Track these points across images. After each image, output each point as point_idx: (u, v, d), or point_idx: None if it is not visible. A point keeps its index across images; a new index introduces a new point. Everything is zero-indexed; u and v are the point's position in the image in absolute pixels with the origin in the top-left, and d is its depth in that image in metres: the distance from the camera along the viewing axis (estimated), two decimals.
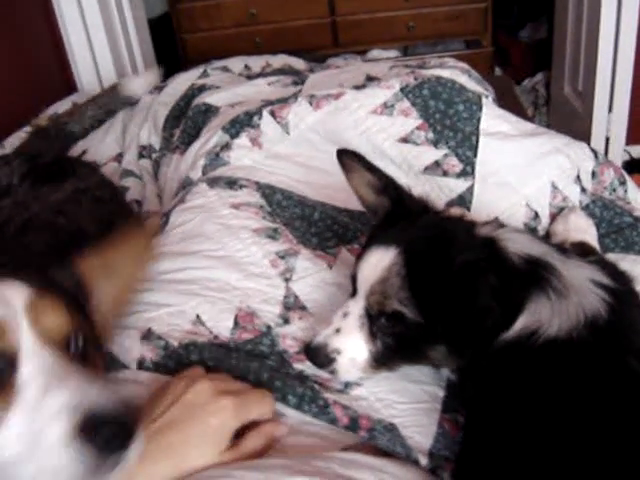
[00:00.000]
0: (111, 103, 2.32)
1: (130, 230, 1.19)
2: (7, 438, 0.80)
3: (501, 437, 0.96)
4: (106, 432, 0.78)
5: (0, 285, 0.92)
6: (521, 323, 1.00)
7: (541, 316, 0.99)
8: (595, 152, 1.65)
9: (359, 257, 1.15)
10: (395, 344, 1.09)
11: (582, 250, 1.36)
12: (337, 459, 0.97)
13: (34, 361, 0.85)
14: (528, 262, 1.03)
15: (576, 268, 1.06)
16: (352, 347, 1.11)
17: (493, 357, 1.01)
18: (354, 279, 1.14)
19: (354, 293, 1.14)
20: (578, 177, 1.59)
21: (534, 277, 1.02)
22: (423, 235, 1.11)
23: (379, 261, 1.08)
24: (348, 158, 1.25)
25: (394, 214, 1.19)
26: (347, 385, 1.16)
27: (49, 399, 0.80)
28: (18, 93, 2.45)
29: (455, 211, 1.45)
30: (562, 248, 1.14)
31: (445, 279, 1.00)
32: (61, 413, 0.79)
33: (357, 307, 1.12)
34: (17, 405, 0.82)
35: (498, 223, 1.19)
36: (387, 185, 1.22)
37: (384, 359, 1.11)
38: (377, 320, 1.10)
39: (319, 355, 1.12)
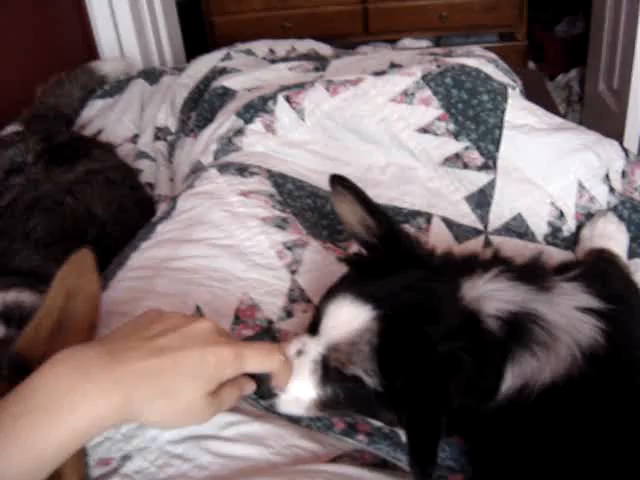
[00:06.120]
0: (91, 82, 2.34)
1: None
2: None
3: None
4: None
5: None
6: (505, 387, 0.94)
7: (526, 372, 0.93)
8: (626, 151, 1.57)
9: (330, 294, 1.03)
10: (346, 398, 1.01)
11: (600, 257, 1.31)
12: (326, 473, 0.91)
13: None
14: (507, 322, 0.95)
15: (561, 302, 0.99)
16: (298, 388, 1.01)
17: (486, 420, 0.96)
18: (318, 314, 1.03)
19: (314, 330, 1.03)
20: (607, 176, 1.51)
21: (514, 338, 0.95)
22: (404, 302, 0.98)
23: (351, 319, 0.97)
24: (343, 188, 1.08)
25: (381, 261, 1.05)
26: None
27: None
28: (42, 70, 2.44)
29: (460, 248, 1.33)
30: (544, 278, 1.04)
31: (420, 365, 0.92)
32: None
33: (314, 351, 1.01)
34: None
35: (487, 262, 1.07)
36: (388, 234, 1.06)
37: (331, 405, 1.03)
38: (333, 372, 1.00)
39: (261, 387, 1.02)
